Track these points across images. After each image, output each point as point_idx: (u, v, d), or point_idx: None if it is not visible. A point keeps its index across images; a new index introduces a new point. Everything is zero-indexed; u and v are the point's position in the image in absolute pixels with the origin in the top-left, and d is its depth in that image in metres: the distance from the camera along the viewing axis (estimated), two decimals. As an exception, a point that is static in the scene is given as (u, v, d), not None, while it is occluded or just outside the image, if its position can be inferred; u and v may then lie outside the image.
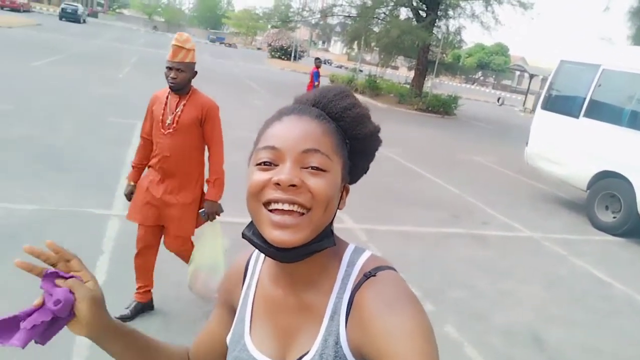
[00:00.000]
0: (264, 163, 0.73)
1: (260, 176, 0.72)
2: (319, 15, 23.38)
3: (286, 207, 0.70)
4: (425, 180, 8.22)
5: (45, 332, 0.70)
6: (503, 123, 21.61)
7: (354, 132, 0.80)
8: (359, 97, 16.16)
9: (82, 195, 4.84)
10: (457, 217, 6.40)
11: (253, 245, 0.76)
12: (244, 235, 0.76)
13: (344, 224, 5.41)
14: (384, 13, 20.82)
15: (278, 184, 0.69)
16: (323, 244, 0.74)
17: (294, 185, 0.69)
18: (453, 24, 21.32)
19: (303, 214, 0.70)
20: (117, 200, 4.79)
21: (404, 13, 21.52)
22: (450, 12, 20.17)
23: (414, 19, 20.15)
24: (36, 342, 0.70)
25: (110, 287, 3.28)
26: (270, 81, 21.89)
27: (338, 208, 0.78)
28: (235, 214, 2.74)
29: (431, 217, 6.22)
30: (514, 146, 13.60)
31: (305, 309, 0.78)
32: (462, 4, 19.27)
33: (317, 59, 14.31)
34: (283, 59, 40.84)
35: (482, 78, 66.37)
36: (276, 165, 0.72)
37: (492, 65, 63.15)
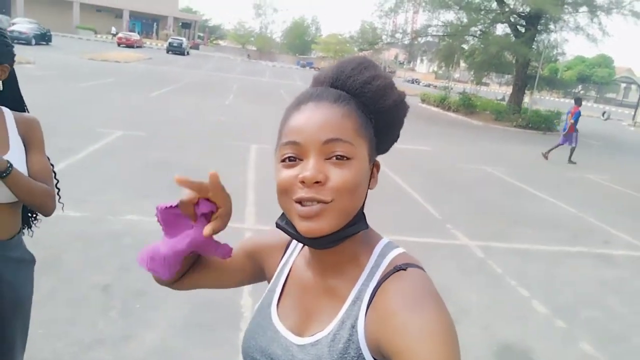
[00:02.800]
0: (288, 159, 0.73)
1: (286, 174, 0.72)
2: (409, 37, 23.53)
3: (313, 205, 0.70)
4: (536, 198, 7.97)
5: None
6: (612, 139, 20.19)
7: (377, 106, 0.77)
8: (453, 115, 16.18)
9: (217, 211, 5.36)
10: (576, 236, 6.17)
11: (287, 234, 0.77)
12: (277, 225, 0.79)
13: (458, 240, 5.45)
14: (480, 30, 20.51)
15: (303, 181, 0.70)
16: (356, 227, 0.75)
17: (318, 182, 0.70)
18: (554, 38, 20.48)
19: (329, 202, 0.70)
20: (247, 216, 5.25)
21: (500, 29, 21.07)
22: (552, 26, 19.41)
23: (512, 35, 19.64)
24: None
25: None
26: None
27: (369, 188, 0.78)
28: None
29: (548, 235, 6.05)
30: (629, 163, 12.73)
31: (329, 293, 0.79)
32: (565, 16, 18.46)
33: (577, 98, 11.77)
34: (371, 80, 41.24)
35: (582, 92, 62.30)
36: (300, 160, 0.72)
37: (594, 78, 59.14)
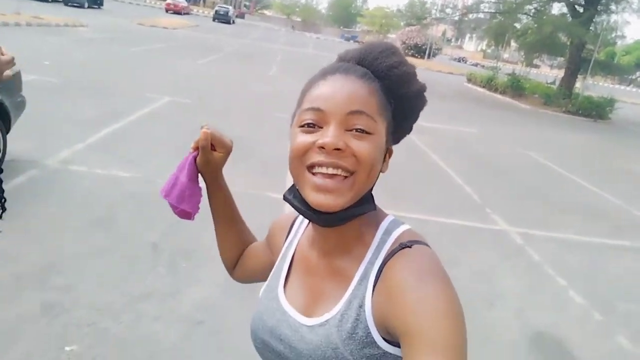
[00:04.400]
0: (308, 125, 0.72)
1: (304, 139, 0.71)
2: (460, 13, 22.82)
3: (330, 170, 0.69)
4: (581, 187, 7.76)
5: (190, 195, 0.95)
6: (668, 130, 19.18)
7: (400, 92, 0.77)
8: (499, 97, 15.82)
9: (259, 180, 5.51)
10: (620, 229, 6.01)
11: (294, 208, 0.77)
12: (285, 198, 0.78)
13: (497, 225, 5.41)
14: (535, 8, 19.65)
15: (322, 147, 0.69)
16: (364, 208, 0.74)
17: (338, 149, 0.68)
18: (615, 19, 19.44)
19: (346, 177, 0.70)
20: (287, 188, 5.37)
21: (557, 8, 20.16)
22: (613, 7, 18.39)
23: (569, 14, 18.75)
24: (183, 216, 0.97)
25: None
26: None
27: (381, 171, 0.77)
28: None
29: (591, 226, 5.92)
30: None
31: (335, 273, 0.78)
32: (628, -4, 17.45)
33: None
34: (416, 57, 40.41)
35: (640, 79, 59.10)
36: (320, 127, 0.71)
37: (655, 64, 55.81)
